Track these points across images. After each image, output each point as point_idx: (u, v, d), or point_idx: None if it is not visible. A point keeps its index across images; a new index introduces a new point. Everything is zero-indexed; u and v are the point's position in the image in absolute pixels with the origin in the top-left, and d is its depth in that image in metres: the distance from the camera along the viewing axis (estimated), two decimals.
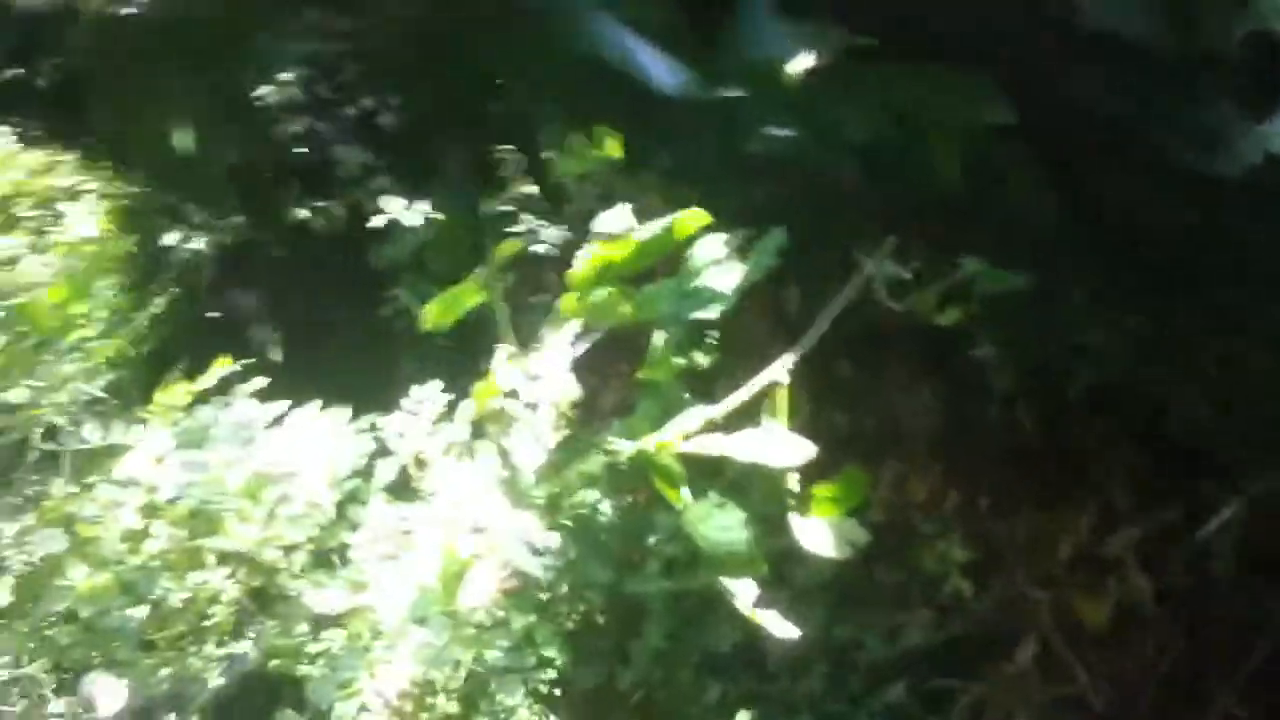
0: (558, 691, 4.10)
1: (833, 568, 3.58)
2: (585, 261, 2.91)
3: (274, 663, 3.59)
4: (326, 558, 3.95)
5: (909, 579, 3.57)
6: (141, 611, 3.28)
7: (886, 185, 3.18)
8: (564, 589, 4.05)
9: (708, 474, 2.88)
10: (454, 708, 3.75)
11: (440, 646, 3.26)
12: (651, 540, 3.83)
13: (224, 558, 3.51)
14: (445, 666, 3.46)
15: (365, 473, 3.99)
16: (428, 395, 4.08)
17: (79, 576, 3.21)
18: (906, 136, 3.15)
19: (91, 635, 3.13)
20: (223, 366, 3.90)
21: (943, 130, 3.10)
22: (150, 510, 3.37)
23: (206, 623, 3.53)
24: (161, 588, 3.33)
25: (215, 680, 3.52)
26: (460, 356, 5.18)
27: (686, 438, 2.73)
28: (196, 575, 3.44)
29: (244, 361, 4.15)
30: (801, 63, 3.38)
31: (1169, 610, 3.03)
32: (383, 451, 4.04)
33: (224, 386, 4.08)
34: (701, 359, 3.78)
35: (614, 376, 3.47)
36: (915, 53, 3.12)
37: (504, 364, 2.93)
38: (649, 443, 2.69)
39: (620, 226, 2.91)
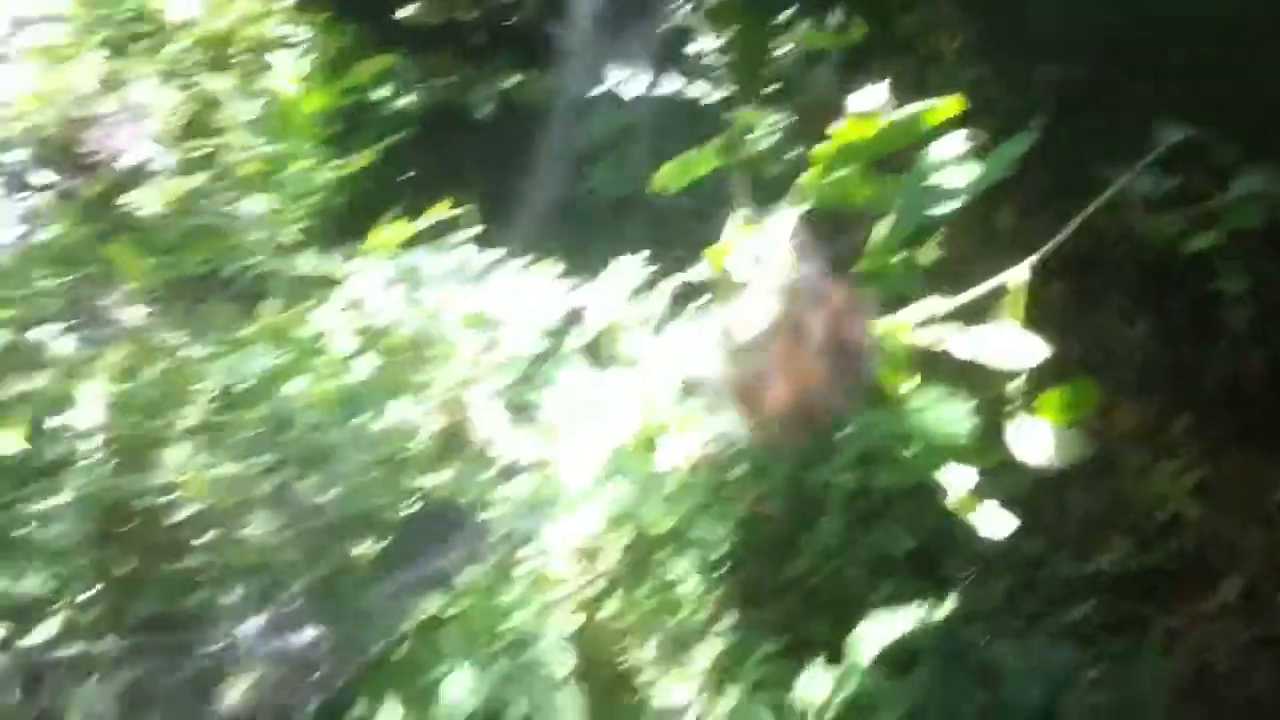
0: (721, 571, 4.16)
1: (1027, 486, 3.54)
2: (833, 138, 2.87)
3: (463, 500, 3.69)
4: (515, 412, 4.04)
5: (1107, 507, 3.52)
6: (350, 432, 3.37)
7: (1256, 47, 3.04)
8: (739, 472, 4.08)
9: (926, 369, 2.85)
10: (622, 570, 3.82)
11: (631, 506, 3.29)
12: (843, 433, 3.84)
13: (428, 393, 3.58)
14: (627, 527, 3.51)
15: (558, 334, 4.06)
16: (629, 266, 4.12)
17: (296, 389, 3.30)
18: None
19: (307, 445, 3.22)
20: (440, 210, 3.98)
21: None
22: (366, 337, 3.45)
23: (404, 454, 3.62)
24: (368, 412, 3.41)
25: (406, 510, 3.63)
26: (651, 243, 5.22)
27: (917, 326, 2.69)
28: (400, 406, 3.51)
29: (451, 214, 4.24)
30: None
31: None
32: (577, 317, 4.10)
33: (434, 234, 4.17)
34: (924, 256, 3.75)
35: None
36: None
37: (739, 230, 2.90)
38: (876, 325, 2.66)
39: (874, 104, 2.86)
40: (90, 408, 3.34)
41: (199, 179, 5.56)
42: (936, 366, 2.79)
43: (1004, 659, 3.30)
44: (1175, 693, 3.16)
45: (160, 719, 3.06)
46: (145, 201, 5.04)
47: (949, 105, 2.95)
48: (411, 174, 6.04)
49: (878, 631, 2.99)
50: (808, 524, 4.02)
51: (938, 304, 2.77)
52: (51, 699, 3.14)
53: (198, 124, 6.40)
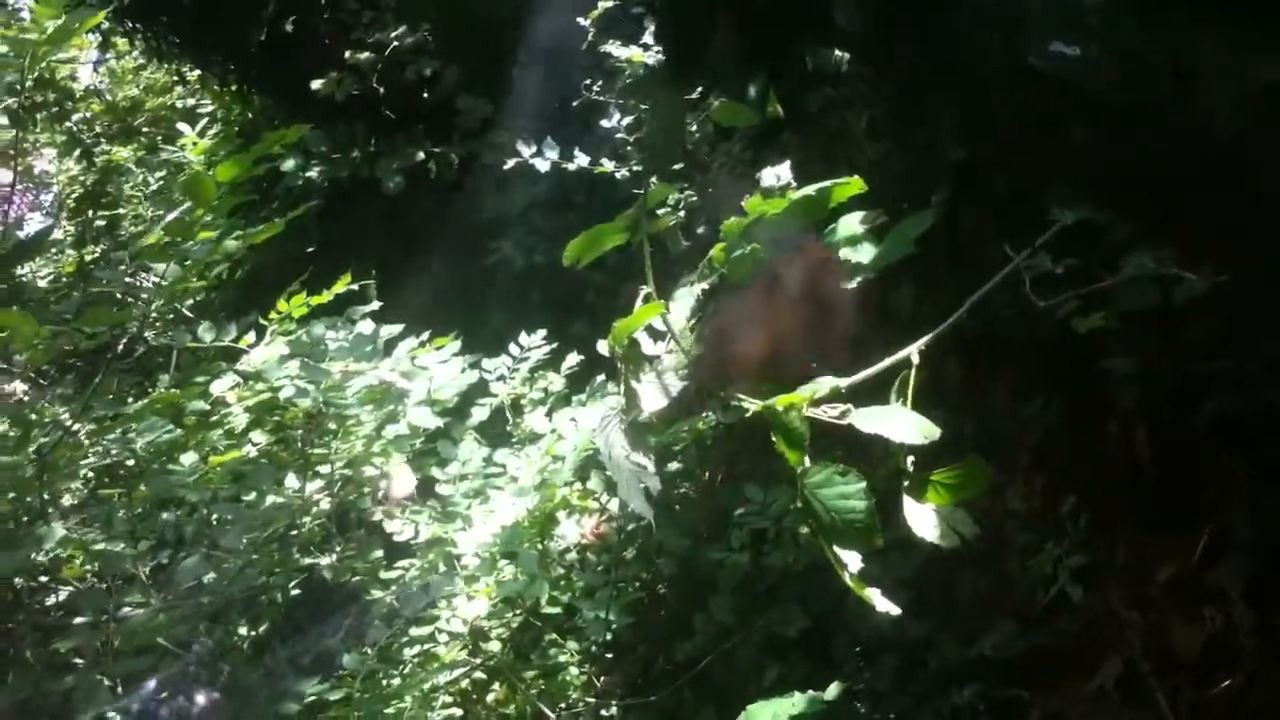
0: (610, 655, 4.12)
1: (914, 566, 3.57)
2: (742, 213, 2.91)
3: (352, 580, 3.64)
4: (410, 490, 4.00)
5: (994, 587, 3.55)
6: (239, 509, 3.32)
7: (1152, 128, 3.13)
8: (631, 552, 4.05)
9: (821, 447, 2.86)
10: (507, 655, 3.77)
11: (522, 585, 3.26)
12: (738, 513, 3.85)
13: (322, 470, 3.54)
14: (523, 605, 3.48)
15: (456, 411, 4.04)
16: (532, 343, 4.14)
17: (188, 463, 3.24)
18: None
19: (193, 522, 3.16)
20: (342, 284, 3.97)
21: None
22: (262, 409, 3.41)
23: (294, 532, 3.58)
24: (260, 488, 3.37)
25: (292, 589, 3.57)
26: (552, 316, 5.23)
27: (814, 403, 2.71)
28: (294, 482, 3.47)
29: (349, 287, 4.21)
30: None
31: (1266, 646, 2.98)
32: (478, 392, 4.09)
33: (337, 307, 4.14)
34: None
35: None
36: None
37: (644, 304, 2.92)
38: (775, 401, 2.68)
39: (781, 180, 2.90)
40: None
41: (97, 249, 5.51)
42: (830, 443, 2.80)
43: None
44: None
45: None
46: (40, 271, 4.95)
47: (851, 185, 3.00)
48: (318, 245, 6.03)
49: (766, 716, 2.96)
50: (700, 605, 3.99)
51: (834, 381, 2.79)
52: None
53: (100, 193, 6.35)
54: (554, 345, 4.12)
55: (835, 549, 2.76)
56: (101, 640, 3.03)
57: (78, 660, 3.11)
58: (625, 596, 3.80)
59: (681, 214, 4.66)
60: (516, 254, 5.53)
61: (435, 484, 3.94)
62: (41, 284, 5.54)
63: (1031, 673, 3.36)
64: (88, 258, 5.64)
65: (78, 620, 3.06)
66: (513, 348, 4.11)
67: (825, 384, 2.86)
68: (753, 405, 2.86)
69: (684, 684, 3.99)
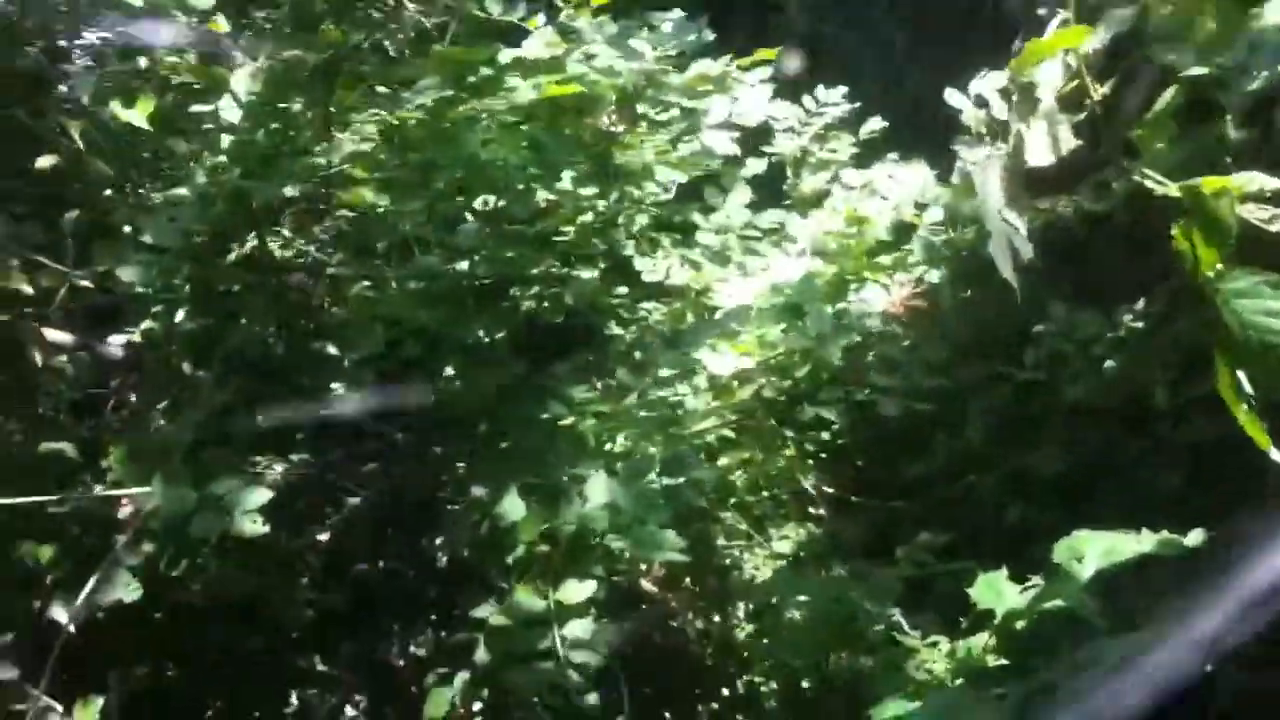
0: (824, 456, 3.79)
1: None
2: None
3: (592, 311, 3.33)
4: (667, 228, 3.65)
5: None
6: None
7: None
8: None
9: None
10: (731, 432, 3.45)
11: (815, 343, 2.88)
12: (1037, 328, 3.41)
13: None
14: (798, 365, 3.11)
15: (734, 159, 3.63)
16: (830, 99, 3.73)
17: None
18: None
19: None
20: None
21: None
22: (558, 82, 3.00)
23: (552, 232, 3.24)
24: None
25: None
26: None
27: (1244, 197, 2.29)
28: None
29: None
30: None
31: None
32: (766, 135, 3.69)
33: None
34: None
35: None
36: None
37: (1061, 32, 2.48)
38: (1200, 183, 2.25)
39: None
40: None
41: None
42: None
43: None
44: None
45: None
46: None
47: None
48: None
49: (1098, 547, 2.55)
50: (943, 426, 3.60)
51: (1267, 181, 2.34)
52: None
53: None
54: (854, 105, 3.67)
55: (1237, 372, 2.37)
56: None
57: None
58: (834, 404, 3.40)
59: None
60: None
61: (695, 230, 3.57)
62: None
63: None
64: None
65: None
66: (807, 100, 3.68)
67: (1262, 179, 2.42)
68: (1166, 185, 2.44)
69: (905, 508, 3.64)
